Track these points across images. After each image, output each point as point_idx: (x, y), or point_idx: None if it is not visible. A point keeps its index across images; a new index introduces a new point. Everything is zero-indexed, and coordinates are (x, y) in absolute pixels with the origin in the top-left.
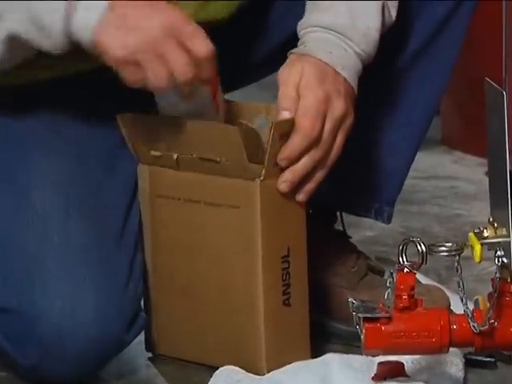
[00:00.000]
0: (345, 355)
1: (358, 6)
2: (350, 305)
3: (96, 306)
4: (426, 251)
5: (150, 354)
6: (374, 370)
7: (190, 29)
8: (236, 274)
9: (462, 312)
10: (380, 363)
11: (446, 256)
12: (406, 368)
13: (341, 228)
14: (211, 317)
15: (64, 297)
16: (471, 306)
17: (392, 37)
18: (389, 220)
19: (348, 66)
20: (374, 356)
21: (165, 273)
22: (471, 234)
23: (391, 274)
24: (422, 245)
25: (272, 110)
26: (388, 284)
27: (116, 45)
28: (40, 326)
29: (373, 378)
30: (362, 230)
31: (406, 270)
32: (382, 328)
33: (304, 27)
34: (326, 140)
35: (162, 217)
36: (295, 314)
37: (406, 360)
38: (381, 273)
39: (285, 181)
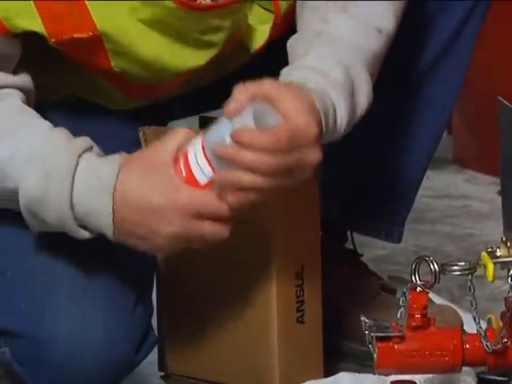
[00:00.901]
0: (357, 374)
1: (356, 83)
2: (363, 324)
3: (104, 328)
4: (439, 270)
5: (162, 373)
6: None
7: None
8: (249, 291)
9: (475, 331)
10: (393, 382)
11: (459, 275)
12: None
13: (352, 247)
14: (224, 335)
15: (73, 320)
16: (484, 325)
17: (410, 44)
18: (399, 240)
19: (325, 119)
20: (386, 375)
21: (177, 291)
22: (484, 253)
23: (404, 293)
24: (434, 264)
25: None
26: (401, 303)
27: (136, 247)
28: (50, 351)
29: None
30: (374, 249)
31: (418, 288)
32: (395, 347)
33: (298, 66)
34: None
35: None
36: (309, 331)
37: (419, 379)
38: (393, 292)
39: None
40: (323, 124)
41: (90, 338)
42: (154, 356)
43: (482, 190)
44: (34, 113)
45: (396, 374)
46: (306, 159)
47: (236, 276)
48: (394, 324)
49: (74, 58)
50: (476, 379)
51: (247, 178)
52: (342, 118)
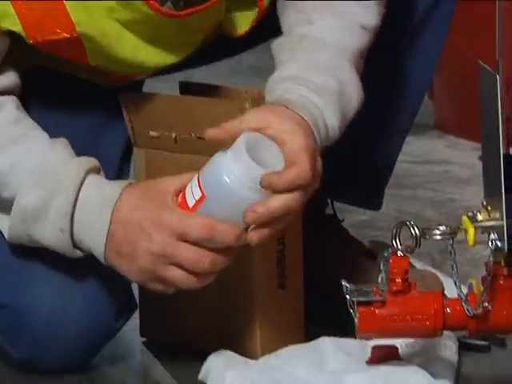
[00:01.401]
0: (338, 339)
1: (344, 83)
2: (344, 289)
3: (84, 296)
4: (420, 235)
5: (144, 339)
6: (367, 354)
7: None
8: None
9: (456, 296)
10: (374, 347)
11: (440, 240)
12: (399, 352)
13: (332, 213)
14: (204, 300)
15: (54, 290)
16: (465, 290)
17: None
18: (379, 207)
19: (317, 132)
20: (367, 340)
21: None
22: (465, 218)
23: (385, 257)
24: (415, 228)
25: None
26: (382, 268)
27: (123, 271)
28: (32, 320)
29: (367, 362)
30: (355, 215)
31: (399, 253)
32: (376, 312)
33: (286, 77)
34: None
35: None
36: (290, 296)
37: (400, 344)
38: (374, 257)
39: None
40: (315, 133)
41: (70, 306)
42: (135, 322)
43: (463, 155)
44: (31, 122)
45: (377, 338)
46: (316, 173)
47: None
48: (374, 289)
49: (51, 53)
50: (457, 343)
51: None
52: (333, 122)
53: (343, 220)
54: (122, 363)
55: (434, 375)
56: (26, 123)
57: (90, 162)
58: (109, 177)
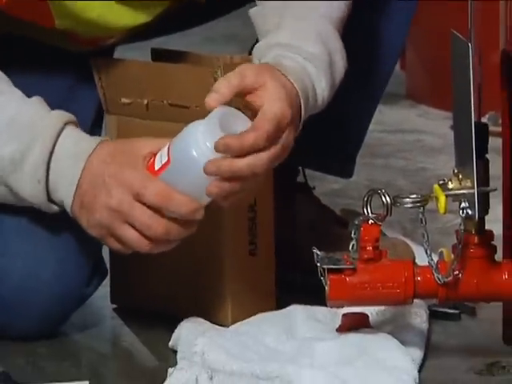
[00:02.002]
0: (309, 307)
1: (332, 52)
2: (315, 256)
3: (55, 262)
4: (391, 203)
5: (114, 306)
6: (338, 322)
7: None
8: (202, 224)
9: (427, 264)
10: (344, 315)
11: (411, 208)
12: (370, 319)
13: (303, 180)
14: (176, 267)
15: (24, 256)
16: (436, 258)
17: None
18: (350, 175)
19: (306, 99)
20: (338, 307)
21: None
22: (436, 186)
23: (356, 225)
24: (386, 196)
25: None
26: (353, 235)
27: (82, 223)
28: (3, 287)
29: (337, 330)
30: (327, 183)
31: (370, 221)
32: (347, 279)
33: (278, 44)
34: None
35: None
36: (261, 264)
37: (371, 312)
38: (345, 225)
39: (214, 188)
40: (302, 103)
41: (42, 271)
42: (105, 289)
43: (435, 124)
44: (5, 79)
45: (348, 306)
46: (286, 143)
47: None
48: (345, 256)
49: (16, 16)
50: (427, 312)
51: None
52: (324, 91)
53: (314, 188)
54: (92, 330)
55: (404, 343)
56: (0, 79)
57: (68, 115)
58: None
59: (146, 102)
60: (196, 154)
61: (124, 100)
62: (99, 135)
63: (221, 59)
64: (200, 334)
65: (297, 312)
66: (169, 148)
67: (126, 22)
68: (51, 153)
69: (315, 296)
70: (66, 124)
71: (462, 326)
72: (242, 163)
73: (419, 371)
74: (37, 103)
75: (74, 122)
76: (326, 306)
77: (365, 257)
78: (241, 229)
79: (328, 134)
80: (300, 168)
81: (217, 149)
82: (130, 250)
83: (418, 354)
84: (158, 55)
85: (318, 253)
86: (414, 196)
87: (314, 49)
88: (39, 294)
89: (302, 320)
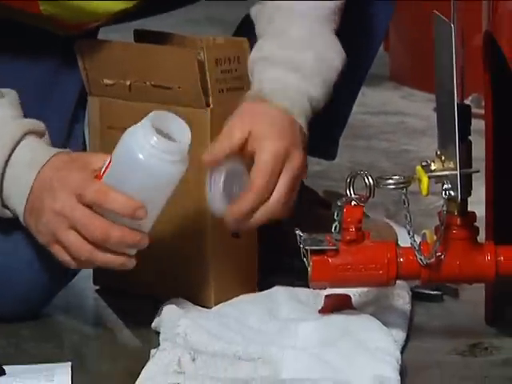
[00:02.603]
0: (291, 288)
1: (323, 51)
2: (298, 238)
3: (37, 244)
4: (374, 184)
5: (97, 287)
6: (320, 303)
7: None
8: (185, 204)
9: (409, 245)
10: (327, 296)
11: (394, 189)
12: (353, 301)
13: None
14: (159, 248)
15: (5, 238)
16: (418, 240)
17: None
18: (333, 157)
19: (303, 113)
20: (320, 289)
21: None
22: (419, 167)
23: (339, 207)
24: (369, 178)
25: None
26: (335, 217)
27: (32, 230)
28: None
29: (320, 311)
30: (310, 165)
31: (353, 203)
32: (329, 260)
33: (262, 58)
34: (280, 192)
35: (114, 148)
36: (244, 245)
37: (354, 293)
38: (328, 207)
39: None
40: (301, 121)
41: (23, 253)
42: (88, 270)
43: (418, 106)
44: None
45: (330, 287)
46: (294, 168)
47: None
48: (328, 238)
49: (4, 3)
50: (410, 293)
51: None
52: (319, 95)
53: None
54: (75, 311)
55: (386, 324)
56: None
57: (34, 124)
58: (63, 125)
59: (128, 83)
60: (135, 153)
61: (106, 81)
62: (83, 117)
63: (204, 40)
64: (182, 316)
65: (279, 293)
66: (112, 154)
67: (112, 7)
68: (7, 161)
69: (300, 278)
70: (26, 134)
71: (445, 307)
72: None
73: (401, 352)
74: (6, 106)
75: (37, 131)
76: (308, 287)
77: (347, 238)
78: None
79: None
80: None
81: (227, 219)
82: (72, 259)
83: (400, 335)
84: (141, 36)
85: (301, 234)
86: (397, 177)
87: (299, 55)
88: (21, 274)
89: (285, 301)
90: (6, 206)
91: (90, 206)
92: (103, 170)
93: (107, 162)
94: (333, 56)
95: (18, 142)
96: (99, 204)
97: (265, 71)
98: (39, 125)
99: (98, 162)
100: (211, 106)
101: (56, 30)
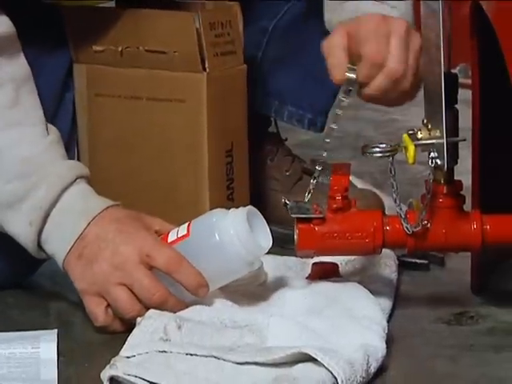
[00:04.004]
0: (279, 257)
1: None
2: (284, 205)
3: None
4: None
5: None
6: (308, 271)
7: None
8: (181, 170)
9: (396, 214)
10: (314, 263)
11: (380, 157)
12: (340, 269)
13: (275, 131)
14: (156, 214)
15: None
16: (405, 209)
17: None
18: (322, 129)
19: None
20: (307, 257)
21: (103, 171)
22: (405, 136)
23: (319, 171)
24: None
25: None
26: (313, 181)
27: (74, 274)
28: None
29: (307, 278)
30: (298, 134)
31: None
32: (316, 228)
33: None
34: (395, 51)
35: (101, 116)
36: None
37: (340, 261)
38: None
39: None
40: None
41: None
42: None
43: None
44: (29, 104)
45: (317, 255)
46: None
47: (167, 155)
48: (315, 206)
49: None
50: (397, 262)
51: None
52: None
53: (286, 139)
54: (60, 279)
55: (373, 293)
56: (22, 107)
57: (82, 168)
58: (53, 93)
59: (120, 48)
60: (219, 238)
61: (96, 48)
62: (73, 85)
63: (193, 5)
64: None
65: (266, 262)
66: (189, 225)
67: None
68: (55, 202)
69: (285, 247)
70: (77, 178)
71: (431, 276)
72: None
73: (388, 321)
74: (52, 146)
75: (86, 176)
76: (295, 256)
77: (334, 206)
78: (220, 174)
79: (301, 87)
80: (272, 119)
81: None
82: (105, 314)
83: (387, 304)
84: (123, 1)
85: (288, 202)
86: (384, 146)
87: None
88: (6, 242)
89: (272, 269)
90: (41, 247)
91: (151, 267)
92: (174, 238)
93: (182, 233)
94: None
95: (68, 186)
96: (169, 271)
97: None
98: (86, 169)
99: (154, 224)
100: (207, 70)
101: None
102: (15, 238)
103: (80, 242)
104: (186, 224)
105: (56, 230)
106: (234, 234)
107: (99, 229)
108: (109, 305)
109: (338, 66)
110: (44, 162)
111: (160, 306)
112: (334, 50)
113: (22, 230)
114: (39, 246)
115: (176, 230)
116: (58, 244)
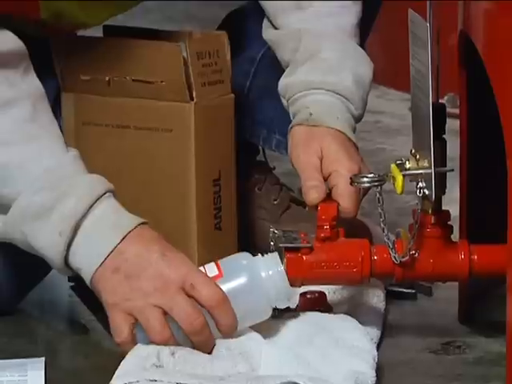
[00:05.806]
0: None
1: (359, 71)
2: (271, 235)
3: None
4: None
5: (72, 284)
6: (296, 301)
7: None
8: (168, 199)
9: (384, 243)
10: (302, 294)
11: (368, 187)
12: (328, 298)
13: (263, 159)
14: None
15: None
16: (393, 238)
17: None
18: None
19: (352, 129)
20: (295, 286)
21: None
22: (393, 165)
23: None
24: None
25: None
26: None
27: (106, 287)
28: None
29: (295, 310)
30: (286, 163)
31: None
32: (304, 258)
33: (301, 89)
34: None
35: (89, 145)
36: (226, 238)
37: (328, 290)
38: (303, 204)
39: None
40: (354, 138)
41: None
42: None
43: (394, 105)
44: (47, 119)
45: (305, 285)
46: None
47: (154, 185)
48: (302, 235)
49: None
50: (384, 292)
51: None
52: (361, 112)
53: (274, 168)
54: (49, 307)
55: (361, 322)
56: (40, 122)
57: (108, 182)
58: None
59: (107, 78)
60: (253, 280)
61: (84, 77)
62: (60, 113)
63: (181, 35)
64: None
65: None
66: (217, 264)
67: (106, 14)
68: (86, 213)
69: None
70: (107, 191)
71: (419, 305)
72: None
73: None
74: (76, 160)
75: (113, 190)
76: None
77: (321, 236)
78: (207, 203)
79: (289, 116)
80: (260, 147)
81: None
82: (132, 336)
83: (375, 333)
84: (110, 32)
85: (276, 231)
86: (372, 175)
87: (339, 76)
88: None
89: None
90: (67, 263)
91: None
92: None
93: (213, 272)
94: (365, 69)
95: (99, 197)
96: (210, 306)
97: (305, 96)
98: (111, 184)
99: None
100: (195, 99)
101: (42, 33)
102: (40, 252)
103: (117, 256)
104: (213, 263)
105: (87, 242)
106: (268, 278)
107: (141, 247)
108: (134, 324)
109: (309, 181)
110: (70, 173)
111: (196, 334)
112: (309, 167)
113: (50, 242)
114: (65, 258)
115: (204, 267)
116: (88, 257)
